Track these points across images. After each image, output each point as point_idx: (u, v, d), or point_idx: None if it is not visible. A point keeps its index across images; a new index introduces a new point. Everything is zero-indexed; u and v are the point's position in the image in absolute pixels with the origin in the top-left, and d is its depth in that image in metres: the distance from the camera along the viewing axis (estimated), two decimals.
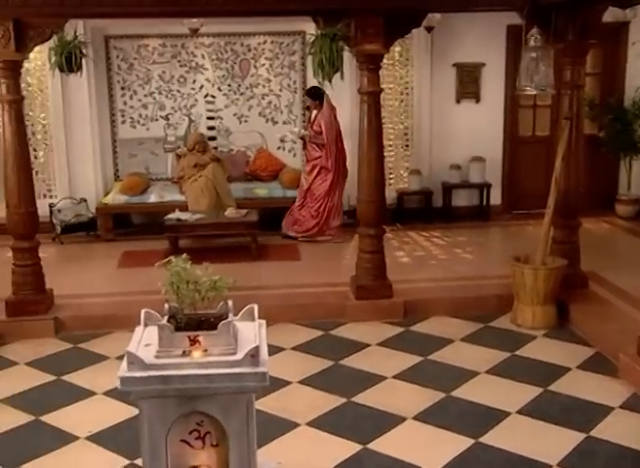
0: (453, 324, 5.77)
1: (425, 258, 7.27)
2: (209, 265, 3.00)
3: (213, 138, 8.76)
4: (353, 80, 7.48)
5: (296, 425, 4.16)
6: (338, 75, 5.59)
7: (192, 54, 8.78)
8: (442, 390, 4.58)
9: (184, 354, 2.85)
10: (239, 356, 2.80)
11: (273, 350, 4.97)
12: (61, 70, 5.39)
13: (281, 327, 5.59)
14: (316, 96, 7.78)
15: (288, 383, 4.71)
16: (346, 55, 5.60)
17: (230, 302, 3.09)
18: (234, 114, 8.87)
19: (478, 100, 8.93)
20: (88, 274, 6.90)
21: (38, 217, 5.76)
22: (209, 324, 2.95)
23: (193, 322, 2.96)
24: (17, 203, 5.53)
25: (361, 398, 4.49)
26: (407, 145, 9.12)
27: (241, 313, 3.24)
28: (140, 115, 8.88)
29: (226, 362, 2.77)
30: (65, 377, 4.90)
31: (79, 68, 5.44)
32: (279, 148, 8.99)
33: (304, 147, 8.00)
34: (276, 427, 4.10)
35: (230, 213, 7.40)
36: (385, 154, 8.72)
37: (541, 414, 4.27)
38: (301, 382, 4.74)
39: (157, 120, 8.88)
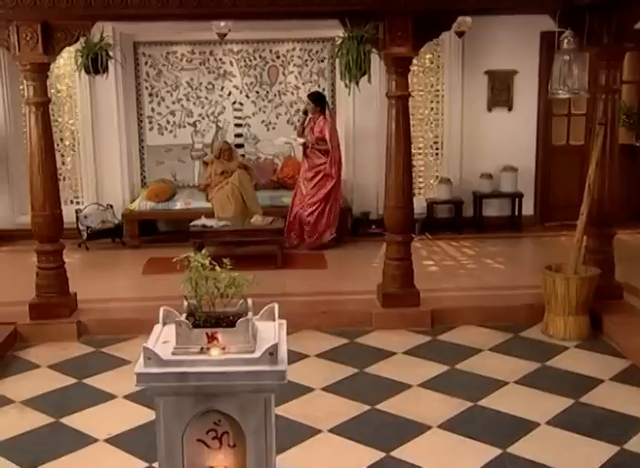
0: (481, 333, 5.70)
1: (454, 268, 7.21)
2: (228, 261, 2.98)
3: (240, 146, 8.82)
4: (382, 83, 7.44)
5: (317, 431, 4.12)
6: (365, 78, 5.52)
7: (220, 60, 8.85)
8: (469, 399, 4.51)
9: (202, 351, 2.84)
10: (257, 354, 2.78)
11: (297, 357, 5.09)
12: (87, 72, 5.45)
13: (305, 334, 5.63)
14: (319, 101, 7.78)
15: (310, 390, 4.67)
16: (374, 57, 5.57)
17: (250, 301, 3.07)
18: (262, 121, 8.90)
19: (510, 109, 8.86)
20: (112, 280, 6.96)
21: (63, 220, 5.82)
22: (228, 322, 2.93)
23: (212, 319, 2.95)
24: (41, 205, 5.59)
25: (385, 405, 4.45)
26: (437, 154, 9.08)
27: (261, 312, 3.22)
28: (168, 122, 8.95)
29: (244, 359, 2.75)
30: (87, 380, 4.92)
31: (105, 70, 5.49)
32: None
33: (305, 154, 7.91)
34: (297, 433, 4.07)
35: (256, 220, 7.43)
36: (415, 163, 8.83)
37: (572, 426, 4.17)
38: (325, 389, 4.70)
39: (185, 127, 8.95)
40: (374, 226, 8.48)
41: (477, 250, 7.96)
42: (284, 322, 3.18)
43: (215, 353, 2.81)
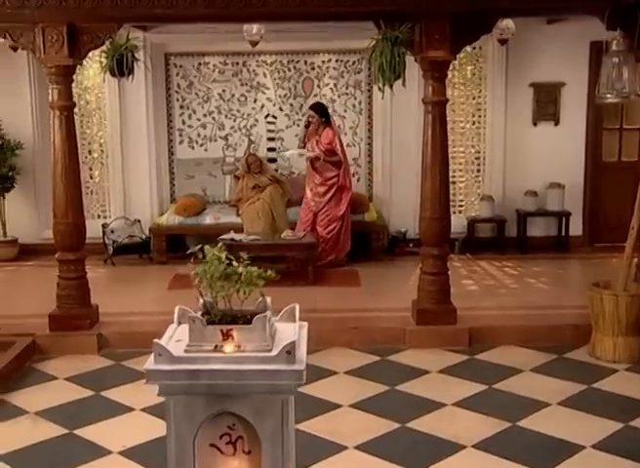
0: (522, 354, 5.56)
1: (495, 287, 7.09)
2: (245, 255, 2.93)
3: (273, 160, 8.82)
4: (419, 93, 7.39)
5: (343, 448, 4.03)
6: (399, 83, 5.47)
7: (254, 72, 8.89)
8: (507, 419, 4.37)
9: (216, 349, 2.78)
10: (274, 352, 2.71)
11: (325, 373, 5.06)
12: (113, 74, 5.51)
13: (335, 351, 5.60)
14: (323, 111, 7.76)
15: (337, 406, 4.59)
16: (410, 60, 5.52)
17: (269, 299, 3.02)
18: (296, 135, 8.82)
19: (557, 123, 8.75)
20: (136, 294, 6.97)
21: (85, 229, 5.84)
22: (244, 320, 2.88)
23: (227, 317, 2.89)
24: (64, 212, 5.63)
25: (416, 424, 4.33)
26: (478, 170, 8.99)
27: (281, 313, 3.16)
28: (199, 135, 8.98)
29: (260, 358, 2.69)
30: (104, 393, 4.90)
31: (130, 72, 5.54)
32: None
33: (313, 168, 7.81)
34: (322, 449, 3.98)
35: (287, 235, 7.41)
36: (455, 179, 8.77)
37: (620, 450, 4.01)
38: (353, 406, 4.62)
39: (216, 140, 8.97)
40: (411, 245, 8.39)
41: (520, 270, 7.81)
42: (305, 324, 3.12)
43: (228, 349, 2.75)
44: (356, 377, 5.12)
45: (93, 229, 8.12)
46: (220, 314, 2.91)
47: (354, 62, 8.82)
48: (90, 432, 4.30)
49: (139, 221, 8.47)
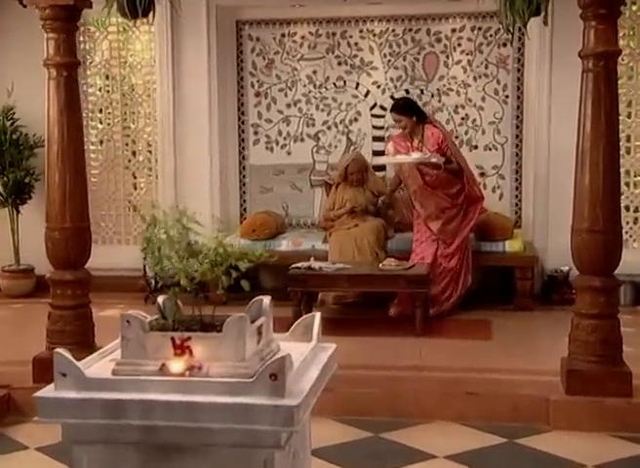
0: None
1: None
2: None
3: (382, 168, 8.50)
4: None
5: None
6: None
7: (356, 46, 8.67)
8: None
9: (162, 369, 2.28)
10: (250, 377, 2.19)
11: (417, 457, 4.82)
12: (123, 13, 5.19)
13: (438, 426, 5.30)
14: (410, 109, 7.56)
15: None
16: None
17: (267, 300, 2.52)
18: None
19: None
20: None
21: (90, 238, 5.70)
22: (212, 327, 2.40)
23: (187, 321, 2.42)
24: (59, 213, 5.45)
25: None
26: None
27: (293, 327, 2.68)
28: (280, 133, 8.86)
29: (228, 385, 2.23)
30: None
31: (147, 12, 5.19)
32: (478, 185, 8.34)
33: (425, 183, 7.46)
34: None
35: (389, 263, 7.07)
36: (628, 193, 8.14)
37: None
38: None
39: (303, 140, 8.86)
40: (574, 291, 7.63)
41: None
42: (331, 346, 2.61)
43: (176, 368, 2.25)
44: (463, 465, 4.74)
45: (132, 257, 8.00)
46: (175, 316, 2.40)
47: (498, 31, 8.34)
48: None
49: None
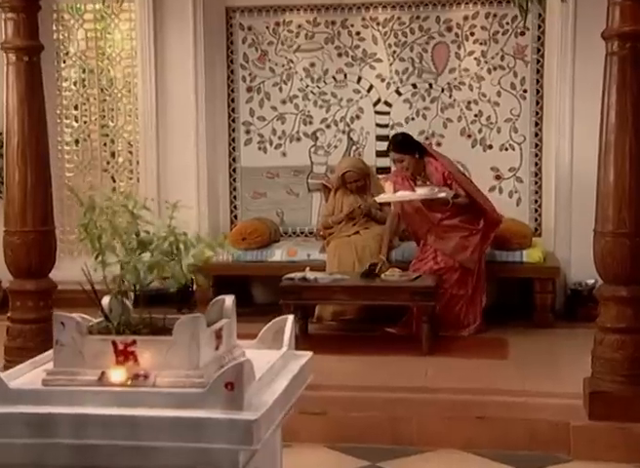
0: None
1: None
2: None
3: (386, 170, 8.48)
4: None
5: None
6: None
7: (358, 35, 8.62)
8: None
9: (102, 379, 2.17)
10: (203, 386, 2.12)
11: None
12: None
13: (445, 454, 5.21)
14: (409, 145, 7.50)
15: None
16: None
17: (230, 300, 2.42)
18: (421, 132, 8.54)
19: None
20: None
21: (55, 242, 5.69)
22: (161, 329, 2.30)
23: (134, 324, 2.37)
24: (19, 215, 5.47)
25: None
26: None
27: (261, 332, 2.58)
28: (275, 132, 8.84)
29: (177, 396, 2.13)
30: None
31: None
32: (493, 189, 8.47)
33: (441, 220, 7.40)
34: None
35: (392, 273, 7.01)
36: None
37: None
38: None
39: (300, 140, 8.84)
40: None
41: None
42: (306, 354, 2.52)
43: (116, 377, 2.20)
44: None
45: (110, 270, 7.83)
46: (122, 318, 2.27)
47: (515, 18, 8.33)
48: None
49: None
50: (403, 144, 7.48)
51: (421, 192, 7.24)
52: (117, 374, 2.14)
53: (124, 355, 2.16)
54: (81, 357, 2.18)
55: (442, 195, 7.18)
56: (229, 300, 2.39)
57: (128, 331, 2.21)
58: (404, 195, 7.36)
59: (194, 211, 8.46)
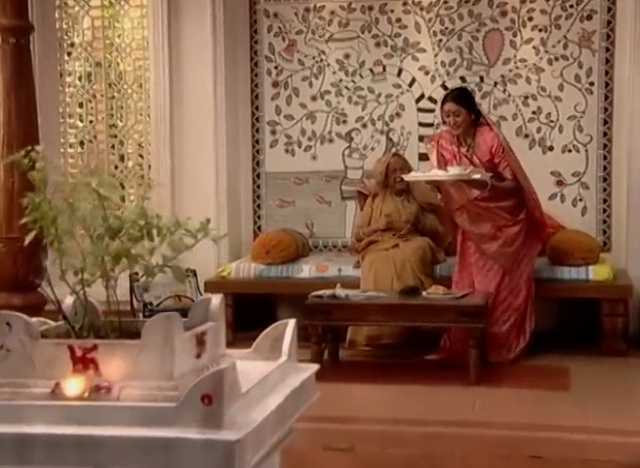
0: None
1: None
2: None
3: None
4: None
5: None
6: None
7: (399, 22, 8.61)
8: None
9: (54, 392, 2.15)
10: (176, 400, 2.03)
11: None
12: None
13: None
14: (469, 101, 7.44)
15: None
16: None
17: (216, 300, 2.29)
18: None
19: None
20: None
21: (46, 253, 5.32)
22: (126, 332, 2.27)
23: (108, 330, 2.23)
24: (4, 220, 5.52)
25: None
26: None
27: (257, 340, 2.49)
28: (304, 132, 8.85)
29: (141, 411, 2.03)
30: None
31: None
32: (554, 196, 8.39)
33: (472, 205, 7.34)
34: None
35: (435, 291, 6.96)
36: None
37: None
38: None
39: (332, 141, 8.84)
40: None
41: None
42: (310, 367, 2.46)
43: (72, 389, 2.09)
44: None
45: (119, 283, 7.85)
46: (85, 320, 2.15)
47: (579, 1, 8.28)
48: None
49: (194, 273, 7.98)
50: (464, 97, 7.45)
51: (454, 172, 7.17)
52: (73, 386, 2.04)
53: (82, 363, 2.06)
54: (31, 365, 2.09)
55: (476, 177, 7.10)
56: (216, 300, 2.27)
57: (92, 335, 2.08)
58: (435, 174, 7.31)
59: (213, 221, 8.41)
